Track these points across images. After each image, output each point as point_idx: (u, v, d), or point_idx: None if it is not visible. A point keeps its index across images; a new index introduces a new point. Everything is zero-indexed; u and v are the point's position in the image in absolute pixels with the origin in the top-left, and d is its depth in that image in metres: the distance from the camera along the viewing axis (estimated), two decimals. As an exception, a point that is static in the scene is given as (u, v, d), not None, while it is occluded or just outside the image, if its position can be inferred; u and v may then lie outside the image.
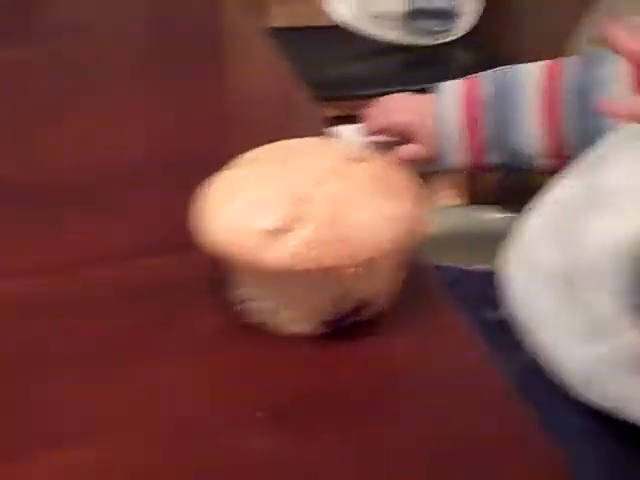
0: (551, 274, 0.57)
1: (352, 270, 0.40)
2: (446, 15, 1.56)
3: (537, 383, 0.55)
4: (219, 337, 0.43)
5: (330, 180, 0.42)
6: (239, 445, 0.38)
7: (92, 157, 0.60)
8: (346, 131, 0.82)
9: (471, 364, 0.42)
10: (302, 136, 0.46)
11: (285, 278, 0.41)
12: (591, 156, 0.61)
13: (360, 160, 0.44)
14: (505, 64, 1.56)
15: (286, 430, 0.39)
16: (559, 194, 0.61)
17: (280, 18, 1.74)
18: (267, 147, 0.46)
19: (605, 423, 0.53)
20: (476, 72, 1.52)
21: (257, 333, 0.43)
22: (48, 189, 0.56)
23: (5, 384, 0.41)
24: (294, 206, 0.40)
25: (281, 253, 0.40)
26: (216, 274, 0.44)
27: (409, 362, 0.43)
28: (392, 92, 1.47)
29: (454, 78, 1.59)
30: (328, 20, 1.62)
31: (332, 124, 0.71)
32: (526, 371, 0.54)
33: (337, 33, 1.57)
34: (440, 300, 0.46)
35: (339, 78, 1.55)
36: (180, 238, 0.45)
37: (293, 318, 0.42)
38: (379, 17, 1.57)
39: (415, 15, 1.55)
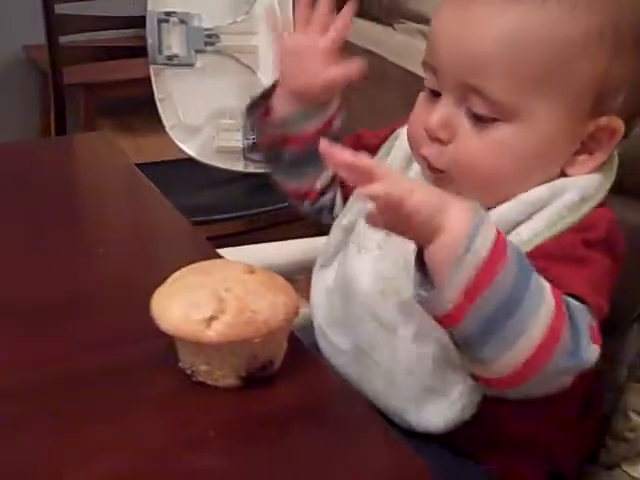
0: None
1: (258, 340, 0.63)
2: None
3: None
4: (177, 390, 0.65)
5: (236, 285, 0.65)
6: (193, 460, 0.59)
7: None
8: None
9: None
10: (200, 257, 0.70)
11: (215, 348, 0.63)
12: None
13: (251, 271, 0.68)
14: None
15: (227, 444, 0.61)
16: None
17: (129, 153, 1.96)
18: (188, 267, 0.69)
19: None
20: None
21: (200, 387, 0.65)
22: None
23: None
24: (217, 303, 0.64)
25: (212, 333, 0.62)
26: (170, 352, 0.66)
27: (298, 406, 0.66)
28: (240, 217, 1.72)
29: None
30: (176, 154, 1.86)
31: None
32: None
33: (185, 165, 1.78)
34: (311, 360, 0.70)
35: (192, 206, 1.78)
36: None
37: (222, 376, 0.65)
38: (223, 152, 1.82)
39: (254, 149, 1.80)
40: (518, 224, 0.68)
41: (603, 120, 0.67)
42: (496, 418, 0.70)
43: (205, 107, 1.77)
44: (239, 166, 1.80)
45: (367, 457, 0.61)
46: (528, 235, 0.67)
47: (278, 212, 1.83)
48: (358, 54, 2.16)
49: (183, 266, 0.68)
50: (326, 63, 0.77)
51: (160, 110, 1.75)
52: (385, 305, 0.72)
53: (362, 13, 2.19)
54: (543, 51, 0.64)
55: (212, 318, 0.62)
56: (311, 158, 0.76)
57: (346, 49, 2.09)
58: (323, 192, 0.85)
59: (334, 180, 0.84)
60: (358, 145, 0.80)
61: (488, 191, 0.68)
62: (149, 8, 1.74)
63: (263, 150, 0.86)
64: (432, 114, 0.68)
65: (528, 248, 0.66)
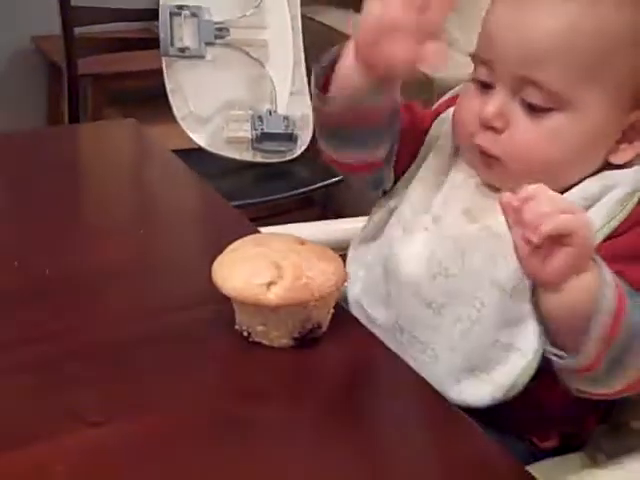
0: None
1: (312, 304, 0.71)
2: (287, 138, 1.86)
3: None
4: (233, 351, 0.72)
5: (289, 255, 0.72)
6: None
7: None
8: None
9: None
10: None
11: (273, 311, 0.70)
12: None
13: (302, 243, 0.75)
14: (335, 175, 1.91)
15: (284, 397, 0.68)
16: None
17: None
18: (244, 239, 0.76)
19: None
20: (314, 184, 1.86)
21: (257, 347, 0.72)
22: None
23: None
24: (275, 269, 0.71)
25: (272, 296, 0.69)
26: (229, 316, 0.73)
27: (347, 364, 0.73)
28: (246, 205, 1.78)
29: (296, 189, 1.88)
30: (181, 144, 1.91)
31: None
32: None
33: (193, 155, 1.86)
34: (352, 323, 0.77)
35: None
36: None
37: (278, 336, 0.72)
38: (232, 142, 1.89)
39: (261, 139, 1.85)
40: None
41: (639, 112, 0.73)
42: (532, 396, 0.74)
43: (215, 98, 1.83)
44: (247, 156, 1.86)
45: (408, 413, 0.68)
46: None
47: (283, 200, 1.91)
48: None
49: (226, 243, 0.75)
50: (417, 44, 0.67)
51: (171, 101, 1.80)
52: (431, 286, 0.77)
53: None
54: (594, 44, 0.70)
55: (271, 283, 0.69)
56: (379, 131, 0.77)
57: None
58: (382, 164, 0.83)
59: (392, 153, 0.82)
60: (413, 120, 0.82)
61: (540, 177, 0.68)
62: (161, 1, 1.80)
63: (327, 124, 0.79)
64: (487, 104, 0.73)
65: None
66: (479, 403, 0.74)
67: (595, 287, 0.64)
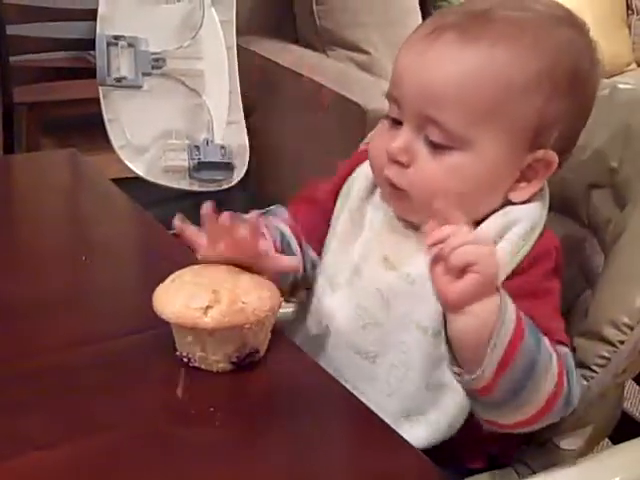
0: None
1: (248, 327, 0.73)
2: (223, 167, 1.90)
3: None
4: (173, 375, 0.74)
5: (227, 282, 0.75)
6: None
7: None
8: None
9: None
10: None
11: (211, 334, 0.72)
12: None
13: (240, 271, 0.78)
14: (271, 204, 1.94)
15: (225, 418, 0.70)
16: None
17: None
18: (184, 270, 0.78)
19: None
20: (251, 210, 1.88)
21: (196, 371, 0.74)
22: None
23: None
24: (212, 294, 0.73)
25: (209, 319, 0.72)
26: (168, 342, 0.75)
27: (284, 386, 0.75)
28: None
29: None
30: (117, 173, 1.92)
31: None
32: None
33: (135, 183, 1.82)
34: (290, 348, 0.80)
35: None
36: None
37: (216, 361, 0.74)
38: (169, 171, 1.90)
39: (199, 168, 1.88)
40: None
41: (540, 153, 0.78)
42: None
43: (152, 128, 1.86)
44: (185, 184, 1.89)
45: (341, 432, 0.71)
46: None
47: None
48: (294, 79, 2.26)
49: (166, 269, 0.77)
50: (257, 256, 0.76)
51: (109, 130, 1.81)
52: (363, 336, 0.81)
53: (297, 39, 2.31)
54: (489, 90, 0.74)
55: (209, 307, 0.72)
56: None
57: (280, 74, 2.18)
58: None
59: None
60: (318, 207, 0.88)
61: (443, 211, 0.74)
62: (98, 31, 1.81)
63: None
64: (394, 140, 0.78)
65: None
66: (417, 445, 0.75)
67: (496, 313, 0.68)
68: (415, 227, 0.80)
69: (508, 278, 0.75)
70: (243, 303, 0.73)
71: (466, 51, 0.76)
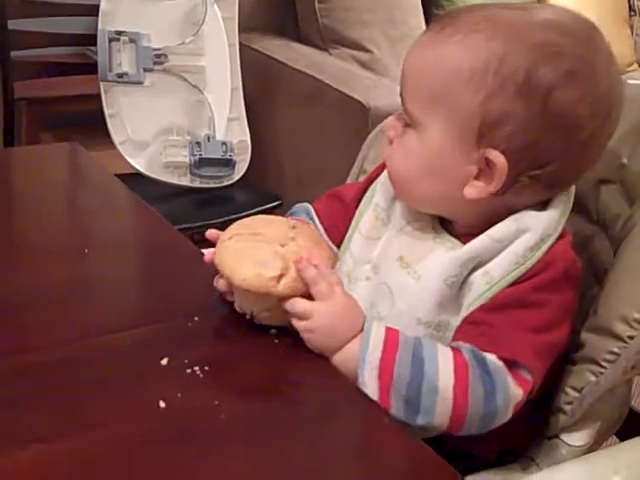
0: None
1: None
2: (225, 163, 1.90)
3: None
4: (167, 372, 0.72)
5: (288, 243, 0.76)
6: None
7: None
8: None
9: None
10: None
11: (281, 300, 0.74)
12: None
13: (293, 226, 0.79)
14: (272, 201, 1.94)
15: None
16: None
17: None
18: (234, 227, 0.79)
19: None
20: (252, 209, 1.88)
21: (197, 365, 0.72)
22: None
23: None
24: (281, 262, 0.74)
25: (282, 287, 0.74)
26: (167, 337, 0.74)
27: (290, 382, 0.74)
28: (191, 228, 1.79)
29: (235, 214, 1.90)
30: (118, 169, 1.91)
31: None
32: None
33: (136, 179, 1.85)
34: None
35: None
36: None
37: (283, 319, 0.75)
38: (170, 167, 1.89)
39: (200, 164, 1.87)
40: (487, 261, 0.78)
41: (487, 152, 0.76)
42: None
43: (153, 124, 1.84)
44: (186, 181, 1.88)
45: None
46: (500, 274, 0.77)
47: (222, 225, 1.91)
48: (296, 76, 2.26)
49: (168, 264, 0.77)
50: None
51: (109, 126, 1.80)
52: None
53: (299, 37, 2.31)
54: (437, 77, 0.77)
55: (281, 275, 0.74)
56: None
57: (282, 71, 2.18)
58: None
59: None
60: (343, 204, 0.91)
61: (399, 188, 0.83)
62: (100, 27, 1.80)
63: None
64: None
65: (498, 288, 0.77)
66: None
67: (354, 359, 0.74)
68: (434, 231, 0.83)
69: (509, 287, 0.77)
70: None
71: (430, 42, 0.79)
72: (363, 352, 0.74)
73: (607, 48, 0.78)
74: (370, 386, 0.74)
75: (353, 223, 0.88)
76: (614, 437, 0.96)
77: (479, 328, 0.76)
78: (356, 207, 0.89)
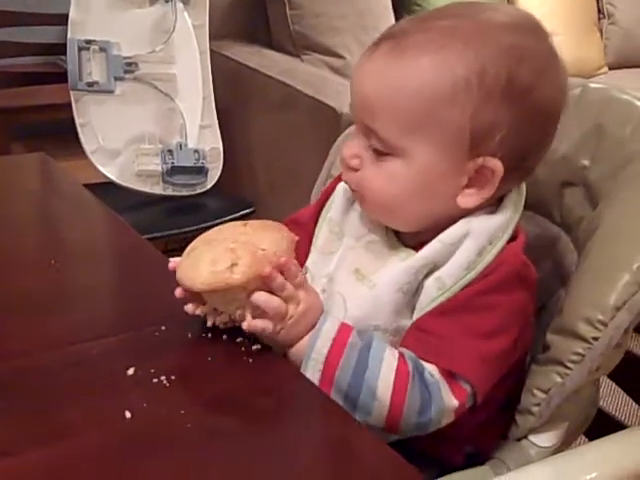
0: None
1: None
2: (197, 171, 1.89)
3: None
4: (140, 380, 0.72)
5: (238, 237, 0.76)
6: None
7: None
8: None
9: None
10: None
11: (243, 289, 0.74)
12: None
13: (245, 224, 0.79)
14: (246, 207, 1.93)
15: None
16: None
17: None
18: (193, 243, 0.79)
19: None
20: (225, 216, 1.87)
21: (171, 374, 0.72)
22: None
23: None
24: (232, 253, 0.74)
25: (238, 275, 0.73)
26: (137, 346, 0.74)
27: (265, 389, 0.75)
28: (163, 237, 1.79)
29: (207, 222, 1.90)
30: (88, 178, 1.90)
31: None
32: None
33: (108, 188, 1.79)
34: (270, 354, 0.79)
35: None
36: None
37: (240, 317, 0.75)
38: (142, 175, 1.89)
39: (172, 172, 1.86)
40: (441, 265, 0.79)
41: (480, 160, 0.77)
42: None
43: (124, 132, 1.84)
44: (158, 189, 1.88)
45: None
46: (451, 280, 0.78)
47: (195, 233, 1.91)
48: (268, 83, 2.26)
49: (137, 274, 0.77)
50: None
51: (80, 135, 1.80)
52: None
53: (271, 44, 2.31)
54: (415, 102, 0.75)
55: (233, 265, 0.74)
56: None
57: (254, 78, 2.18)
58: None
59: None
60: (302, 229, 0.90)
61: (386, 213, 0.81)
62: (70, 36, 1.80)
63: None
64: (347, 148, 0.81)
65: (450, 294, 0.77)
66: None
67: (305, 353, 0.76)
68: (389, 241, 0.84)
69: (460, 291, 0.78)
70: (262, 250, 0.75)
71: (394, 64, 0.76)
72: (310, 349, 0.76)
73: (548, 32, 0.80)
74: (313, 380, 0.76)
75: (312, 245, 0.89)
76: (583, 437, 0.97)
77: (424, 335, 0.77)
78: (313, 227, 0.90)
